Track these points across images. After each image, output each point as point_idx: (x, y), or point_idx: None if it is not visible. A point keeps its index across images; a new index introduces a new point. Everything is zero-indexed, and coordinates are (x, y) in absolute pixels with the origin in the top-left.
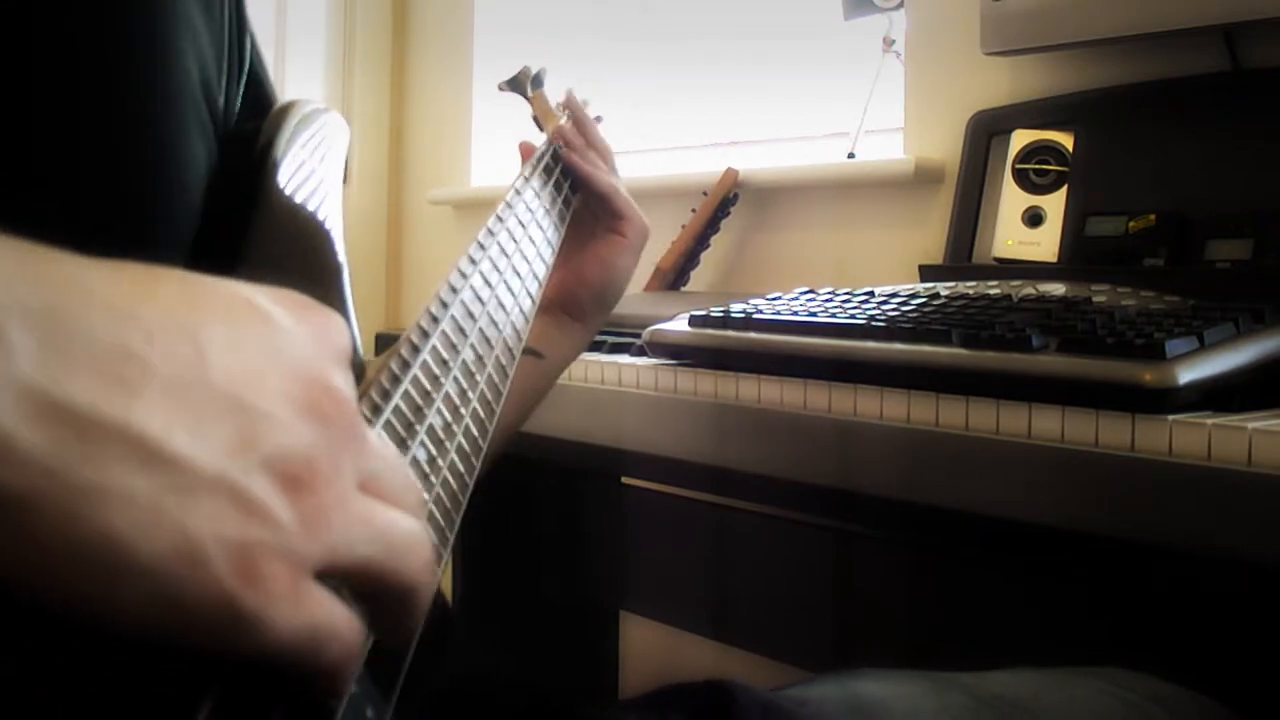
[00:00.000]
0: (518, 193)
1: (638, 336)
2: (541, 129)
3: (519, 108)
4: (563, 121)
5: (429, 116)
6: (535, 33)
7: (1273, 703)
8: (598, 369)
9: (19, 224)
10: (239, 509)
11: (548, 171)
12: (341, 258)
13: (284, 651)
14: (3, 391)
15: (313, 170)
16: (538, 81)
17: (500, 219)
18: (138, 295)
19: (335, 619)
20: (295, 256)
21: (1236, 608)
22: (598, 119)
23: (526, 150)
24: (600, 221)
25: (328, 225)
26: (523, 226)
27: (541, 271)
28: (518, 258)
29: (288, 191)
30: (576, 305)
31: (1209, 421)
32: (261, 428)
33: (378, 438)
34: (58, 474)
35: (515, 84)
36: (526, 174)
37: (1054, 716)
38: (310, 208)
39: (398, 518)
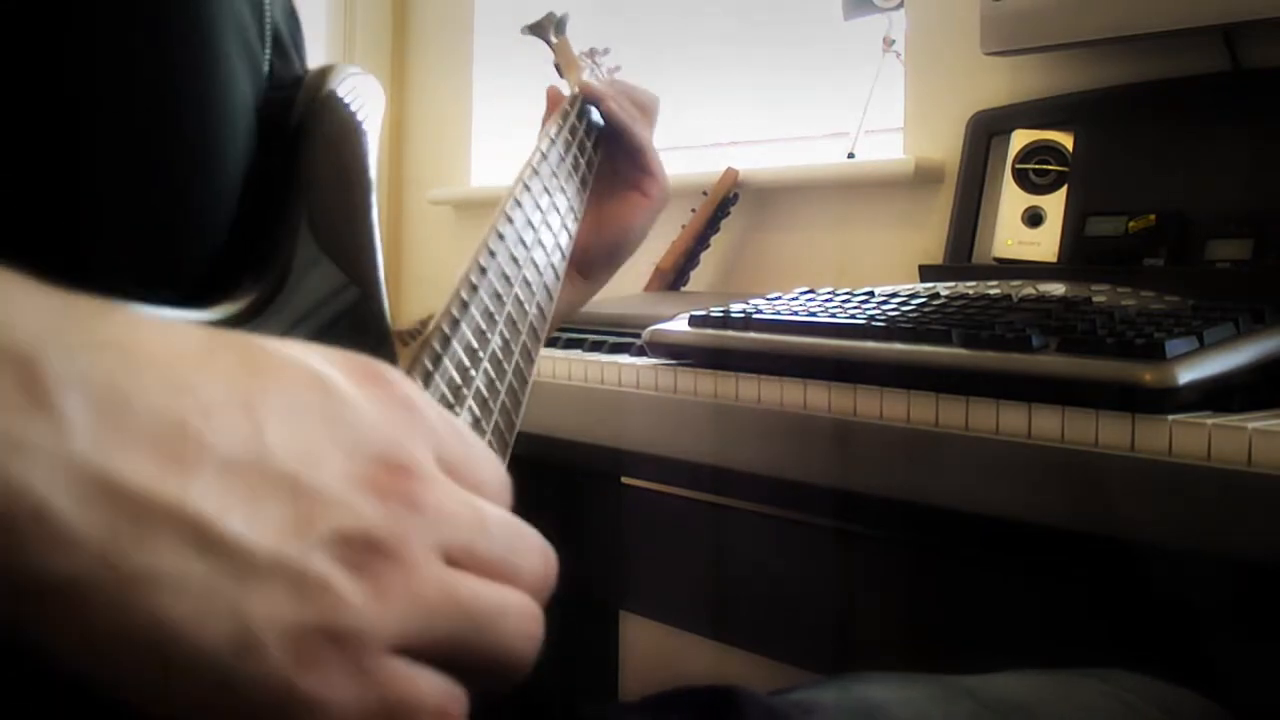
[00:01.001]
0: (543, 155)
1: (638, 336)
2: (562, 75)
3: (519, 107)
4: (585, 72)
5: (429, 116)
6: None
7: (1273, 704)
8: (598, 369)
9: (51, 217)
10: (296, 591)
11: (572, 131)
12: (373, 172)
13: None
14: (56, 470)
15: (362, 105)
16: (561, 27)
17: (527, 186)
18: (196, 364)
19: (419, 693)
20: (344, 164)
21: (1237, 608)
22: (615, 69)
23: (554, 96)
24: (622, 177)
25: (369, 163)
26: (548, 193)
27: (565, 242)
28: (544, 229)
29: (350, 106)
30: (587, 261)
31: (1209, 421)
32: (321, 507)
33: (471, 501)
34: (110, 559)
35: (538, 29)
36: (552, 133)
37: (1056, 719)
38: (361, 133)
39: (486, 589)
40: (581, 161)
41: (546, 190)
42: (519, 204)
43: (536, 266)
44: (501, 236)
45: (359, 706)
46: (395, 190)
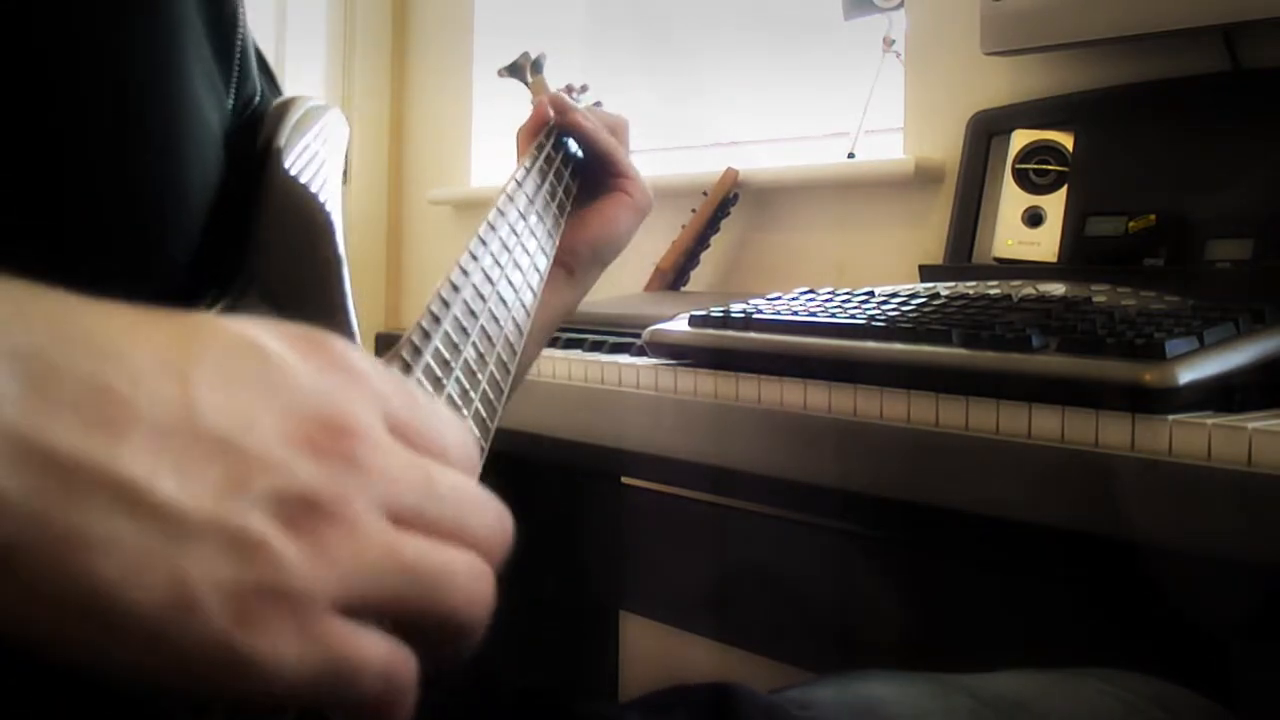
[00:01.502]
0: (518, 184)
1: (638, 336)
2: None
3: (519, 107)
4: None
5: (429, 117)
6: (535, 33)
7: (1273, 703)
8: (598, 369)
9: (26, 238)
10: (233, 551)
11: (548, 160)
12: (342, 249)
13: (303, 690)
14: None
15: (314, 155)
16: (537, 67)
17: (500, 212)
18: (127, 337)
19: (364, 651)
20: (298, 240)
21: (1237, 608)
22: (596, 104)
23: (525, 137)
24: (602, 185)
25: (329, 209)
26: (523, 219)
27: (543, 265)
28: (519, 252)
29: (293, 173)
30: (573, 259)
31: (1209, 421)
32: (255, 468)
33: (417, 462)
34: (41, 521)
35: (515, 70)
36: (526, 164)
37: (1056, 717)
38: (313, 191)
39: (432, 549)
40: (559, 189)
41: (522, 215)
42: (493, 227)
43: (512, 285)
44: (475, 257)
45: (302, 665)
46: (395, 190)
